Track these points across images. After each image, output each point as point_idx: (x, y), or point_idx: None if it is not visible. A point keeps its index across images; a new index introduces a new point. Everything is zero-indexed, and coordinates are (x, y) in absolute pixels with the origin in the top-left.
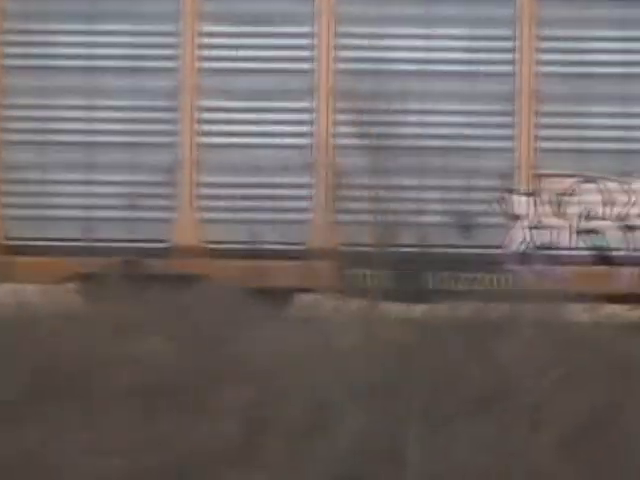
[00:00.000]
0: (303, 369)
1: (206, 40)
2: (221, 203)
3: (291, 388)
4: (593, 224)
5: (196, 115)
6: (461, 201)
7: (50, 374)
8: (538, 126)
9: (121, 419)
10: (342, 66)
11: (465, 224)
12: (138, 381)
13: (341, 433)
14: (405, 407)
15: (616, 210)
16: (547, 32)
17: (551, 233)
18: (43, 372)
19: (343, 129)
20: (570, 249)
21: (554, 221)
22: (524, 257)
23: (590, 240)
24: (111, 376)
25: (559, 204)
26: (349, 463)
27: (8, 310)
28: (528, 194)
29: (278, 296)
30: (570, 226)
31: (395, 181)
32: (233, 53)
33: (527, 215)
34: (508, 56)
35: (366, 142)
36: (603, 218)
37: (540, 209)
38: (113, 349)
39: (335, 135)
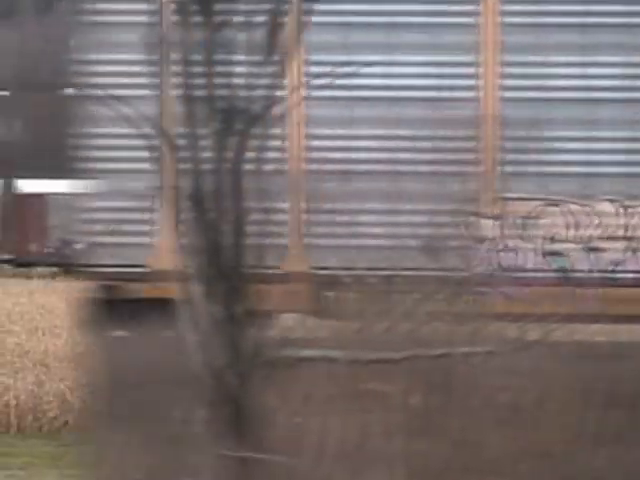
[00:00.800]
0: None
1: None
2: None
3: None
4: (557, 246)
5: None
6: (429, 225)
7: None
8: (503, 150)
9: None
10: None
11: (433, 247)
12: None
13: None
14: None
15: (579, 232)
16: None
17: (516, 255)
18: None
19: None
20: (535, 271)
21: (519, 243)
22: (490, 279)
23: (554, 262)
24: None
25: (524, 227)
26: None
27: None
28: (493, 217)
29: None
30: (534, 248)
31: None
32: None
33: (493, 238)
34: (471, 82)
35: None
36: (567, 240)
37: (505, 232)
38: None
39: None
